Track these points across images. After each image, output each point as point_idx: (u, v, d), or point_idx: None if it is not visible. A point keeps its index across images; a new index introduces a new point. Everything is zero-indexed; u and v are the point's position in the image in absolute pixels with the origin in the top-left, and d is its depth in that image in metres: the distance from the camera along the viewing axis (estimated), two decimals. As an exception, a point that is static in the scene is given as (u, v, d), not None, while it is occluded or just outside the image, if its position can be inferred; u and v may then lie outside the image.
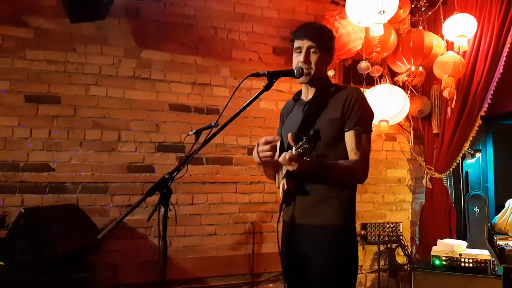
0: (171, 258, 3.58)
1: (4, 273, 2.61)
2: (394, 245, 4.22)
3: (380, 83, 4.07)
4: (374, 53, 3.72)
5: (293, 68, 1.88)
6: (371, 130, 1.93)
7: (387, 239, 4.19)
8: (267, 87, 1.77)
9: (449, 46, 3.82)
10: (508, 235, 4.08)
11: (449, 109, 3.89)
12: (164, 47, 3.76)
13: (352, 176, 1.87)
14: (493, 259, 3.39)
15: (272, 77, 1.78)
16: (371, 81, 4.08)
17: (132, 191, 3.55)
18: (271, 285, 3.90)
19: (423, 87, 4.28)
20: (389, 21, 3.58)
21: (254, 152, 1.92)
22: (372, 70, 3.81)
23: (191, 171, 3.70)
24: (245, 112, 1.76)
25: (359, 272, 4.11)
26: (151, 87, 3.70)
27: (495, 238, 4.01)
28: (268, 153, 1.84)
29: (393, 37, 3.82)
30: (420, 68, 3.88)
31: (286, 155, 1.61)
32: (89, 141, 3.50)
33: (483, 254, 3.31)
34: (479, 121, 3.83)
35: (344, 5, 3.58)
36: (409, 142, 4.43)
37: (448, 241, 3.53)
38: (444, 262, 3.35)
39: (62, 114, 3.45)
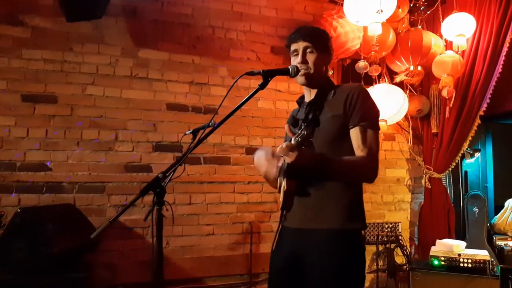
0: (169, 258, 3.57)
1: (0, 273, 2.60)
2: (393, 245, 4.21)
3: (378, 83, 4.06)
4: (373, 52, 3.71)
5: (289, 67, 1.86)
6: (378, 127, 1.83)
7: (386, 239, 4.18)
8: (262, 86, 1.75)
9: (448, 45, 3.81)
10: (507, 235, 4.07)
11: (448, 108, 3.88)
12: (162, 47, 3.74)
13: (358, 173, 1.77)
14: (492, 259, 3.38)
15: (267, 76, 1.75)
16: (369, 81, 4.07)
17: (129, 191, 3.54)
18: (269, 285, 3.88)
19: (422, 86, 4.27)
20: (387, 20, 3.57)
21: (260, 160, 1.85)
22: (370, 70, 3.80)
23: (189, 171, 3.69)
24: (243, 111, 1.76)
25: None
26: (149, 86, 3.69)
27: (494, 238, 4.00)
28: (274, 170, 1.78)
29: (391, 36, 3.81)
30: (419, 68, 3.88)
31: (284, 144, 1.56)
32: (86, 140, 3.48)
33: (482, 254, 3.30)
34: (478, 121, 3.82)
35: (342, 4, 3.57)
36: (408, 142, 4.41)
37: (447, 241, 3.52)
38: (443, 263, 3.34)
39: (59, 114, 3.43)
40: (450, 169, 4.07)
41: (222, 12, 3.96)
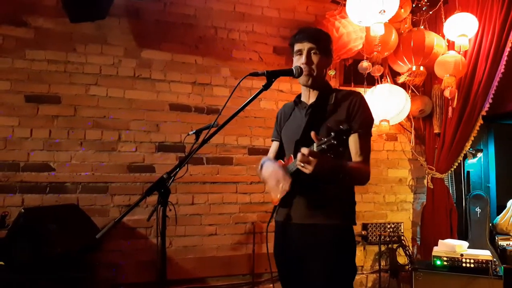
0: (172, 258, 3.58)
1: (4, 273, 2.61)
2: (395, 246, 4.21)
3: (381, 83, 4.06)
4: (375, 52, 3.71)
5: (292, 68, 1.88)
6: (371, 134, 1.97)
7: (388, 239, 4.18)
8: (266, 87, 1.78)
9: (450, 45, 3.81)
10: (509, 235, 4.07)
11: (450, 109, 3.88)
12: (164, 47, 3.75)
13: (360, 178, 1.89)
14: (495, 259, 3.38)
15: (271, 76, 1.78)
16: (372, 81, 4.07)
17: (132, 191, 3.55)
18: (271, 285, 3.89)
19: (424, 86, 4.27)
20: (390, 21, 3.57)
21: (269, 174, 1.93)
22: (373, 70, 3.80)
23: (192, 171, 3.69)
24: (245, 112, 1.76)
25: (360, 272, 4.11)
26: (151, 87, 3.70)
27: (496, 238, 4.00)
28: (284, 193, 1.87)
29: (394, 36, 3.81)
30: (421, 68, 3.87)
31: (306, 150, 1.58)
32: (89, 141, 3.49)
33: (485, 254, 3.30)
34: (480, 121, 3.81)
35: (344, 5, 3.58)
36: (410, 142, 4.41)
37: (450, 241, 3.52)
38: (445, 263, 3.34)
39: (62, 114, 3.44)
40: (452, 169, 4.06)
41: (224, 12, 3.97)
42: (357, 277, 3.24)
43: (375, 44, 3.64)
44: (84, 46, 3.54)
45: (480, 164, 4.88)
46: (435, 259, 3.38)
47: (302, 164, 1.62)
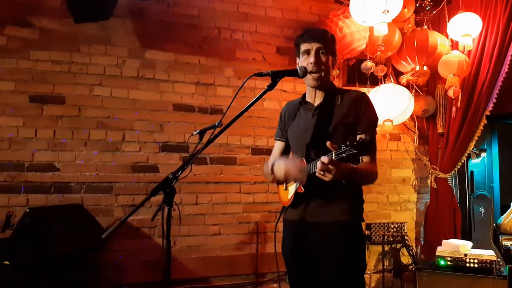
0: (175, 257, 3.59)
1: (9, 273, 2.62)
2: (398, 245, 4.20)
3: (384, 83, 4.06)
4: (378, 52, 3.71)
5: (297, 68, 1.88)
6: (376, 133, 2.01)
7: (391, 239, 4.18)
8: (270, 87, 1.78)
9: (454, 45, 3.81)
10: (513, 235, 4.06)
11: (454, 108, 3.88)
12: (168, 47, 3.76)
13: (370, 179, 1.93)
14: (499, 259, 3.37)
15: (276, 76, 1.78)
16: (375, 81, 4.07)
17: (136, 191, 3.56)
18: (275, 285, 3.89)
19: (427, 86, 4.26)
20: (393, 20, 3.57)
21: (280, 170, 1.92)
22: (376, 70, 3.80)
23: (195, 171, 3.70)
24: (249, 112, 1.76)
25: (363, 272, 4.10)
26: (155, 87, 3.71)
27: (500, 238, 3.99)
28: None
29: (397, 36, 3.81)
30: (425, 68, 3.87)
31: (326, 159, 1.61)
32: (94, 141, 3.51)
33: (489, 254, 3.29)
34: (484, 121, 3.81)
35: (348, 5, 3.58)
36: (413, 142, 4.40)
37: (453, 241, 3.51)
38: (449, 263, 3.34)
39: (66, 114, 3.46)
40: (456, 169, 4.06)
41: (228, 13, 3.97)
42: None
43: (379, 44, 3.64)
44: (88, 47, 3.55)
45: (483, 164, 4.87)
46: (438, 259, 3.37)
47: (322, 173, 1.65)
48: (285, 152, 2.17)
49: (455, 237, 3.89)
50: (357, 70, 4.14)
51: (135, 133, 3.61)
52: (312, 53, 1.91)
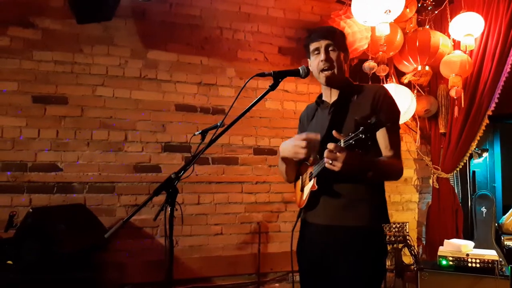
0: (178, 257, 3.59)
1: (12, 272, 2.63)
2: (400, 245, 4.19)
3: (386, 83, 4.06)
4: (380, 52, 3.71)
5: (299, 68, 1.86)
6: (399, 127, 1.91)
7: (393, 239, 4.17)
8: (272, 87, 1.77)
9: (456, 45, 3.80)
10: (515, 235, 4.05)
11: (456, 108, 3.87)
12: (170, 48, 3.77)
13: (392, 173, 1.83)
14: (501, 259, 3.37)
15: (278, 77, 1.77)
16: (377, 81, 4.06)
17: (138, 191, 3.57)
18: (277, 284, 3.90)
19: (429, 86, 4.26)
20: (395, 20, 3.57)
21: (287, 145, 1.87)
22: (378, 70, 3.80)
23: (197, 171, 3.71)
24: (250, 112, 1.76)
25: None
26: (157, 87, 3.71)
27: (502, 238, 3.98)
28: (303, 150, 1.78)
29: (399, 36, 3.81)
30: (427, 68, 3.86)
31: (332, 145, 1.53)
32: (96, 141, 3.52)
33: (490, 254, 3.29)
34: (486, 121, 3.81)
35: (350, 5, 3.58)
36: (415, 142, 4.40)
37: (455, 241, 3.51)
38: (451, 263, 3.34)
39: (69, 115, 3.47)
40: (458, 169, 4.06)
41: (230, 13, 3.98)
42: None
43: (381, 44, 3.63)
44: (90, 47, 3.56)
45: (486, 164, 4.87)
46: (440, 259, 3.38)
47: (330, 161, 1.56)
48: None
49: (457, 237, 3.89)
50: (359, 70, 4.14)
51: (138, 133, 3.62)
52: (322, 50, 1.86)
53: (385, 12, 3.32)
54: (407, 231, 4.27)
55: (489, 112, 3.77)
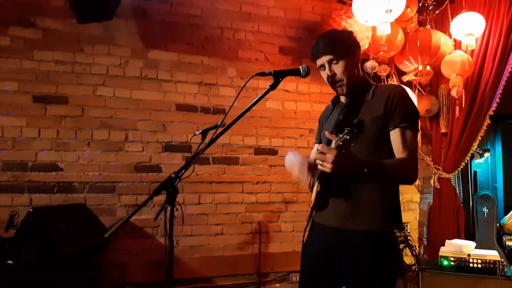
0: (178, 257, 3.59)
1: (13, 272, 2.63)
2: (401, 246, 4.19)
3: (387, 83, 4.05)
4: (381, 52, 3.70)
5: (299, 67, 1.85)
6: (417, 128, 1.82)
7: (394, 239, 4.16)
8: (273, 87, 1.76)
9: (457, 45, 3.79)
10: (517, 235, 4.05)
11: (457, 108, 3.86)
12: (171, 47, 3.77)
13: (400, 176, 1.75)
14: (502, 259, 3.36)
15: (278, 76, 1.77)
16: (378, 81, 4.06)
17: (139, 191, 3.57)
18: (277, 285, 3.90)
19: (430, 86, 4.25)
20: (396, 20, 3.56)
21: (291, 164, 1.85)
22: (379, 70, 3.79)
23: (198, 171, 3.71)
24: (251, 112, 1.76)
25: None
26: (158, 87, 3.71)
27: (504, 238, 3.98)
28: (304, 178, 1.80)
29: (400, 36, 3.80)
30: (428, 67, 3.85)
31: (321, 147, 1.55)
32: (97, 141, 3.51)
33: (492, 254, 3.28)
34: (487, 121, 3.80)
35: (350, 4, 3.57)
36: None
37: (457, 241, 3.50)
38: (452, 263, 3.33)
39: (70, 114, 3.47)
40: (459, 169, 4.04)
41: (230, 12, 3.97)
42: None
43: (381, 43, 3.63)
44: (91, 47, 3.56)
45: (487, 164, 4.86)
46: (442, 259, 3.37)
47: (321, 163, 1.57)
48: None
49: (459, 237, 3.88)
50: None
51: (138, 133, 3.62)
52: (326, 66, 1.85)
53: (386, 12, 3.31)
54: (408, 231, 4.27)
55: (491, 112, 3.76)
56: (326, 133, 1.59)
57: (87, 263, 2.91)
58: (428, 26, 3.93)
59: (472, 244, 3.47)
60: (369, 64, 3.75)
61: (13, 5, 3.39)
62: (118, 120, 3.57)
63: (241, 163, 3.90)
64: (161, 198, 1.58)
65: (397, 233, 4.08)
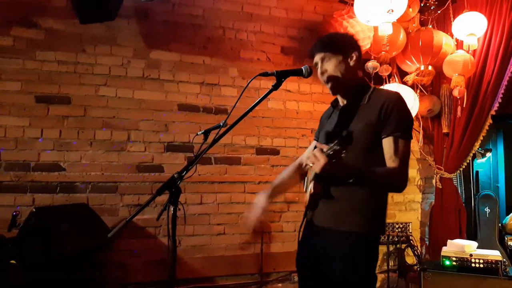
0: (180, 257, 3.60)
1: (15, 272, 2.63)
2: (403, 246, 4.19)
3: (389, 83, 4.05)
4: (383, 52, 3.70)
5: (302, 67, 1.86)
6: (410, 137, 1.81)
7: (396, 239, 4.17)
8: (275, 87, 1.77)
9: (459, 44, 3.80)
10: (519, 235, 4.04)
11: (459, 108, 3.86)
12: (173, 48, 3.77)
13: (389, 185, 1.80)
14: (504, 259, 3.36)
15: (281, 76, 1.77)
16: (379, 81, 4.06)
17: (141, 191, 3.57)
18: (279, 284, 3.90)
19: (432, 86, 4.24)
20: (398, 20, 3.56)
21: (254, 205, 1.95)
22: (380, 69, 3.79)
23: (200, 171, 3.71)
24: (253, 112, 1.76)
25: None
26: (160, 87, 3.72)
27: (506, 238, 3.98)
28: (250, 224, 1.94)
29: (402, 36, 3.80)
30: (430, 67, 3.85)
31: (316, 150, 1.59)
32: (99, 141, 3.52)
33: (494, 254, 3.28)
34: (489, 121, 3.80)
35: (352, 4, 3.57)
36: (418, 142, 4.39)
37: (458, 241, 3.50)
38: (454, 263, 3.33)
39: (72, 115, 3.47)
40: (461, 169, 4.05)
41: (232, 13, 3.98)
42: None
43: (383, 43, 3.63)
44: (93, 47, 3.56)
45: (489, 164, 4.86)
46: (444, 259, 3.37)
47: (311, 164, 1.60)
48: None
49: (460, 237, 3.88)
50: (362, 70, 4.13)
51: (140, 133, 3.63)
52: (318, 64, 1.89)
53: (387, 12, 3.31)
54: (410, 231, 4.27)
55: (492, 112, 3.76)
56: (317, 144, 1.64)
57: (90, 263, 2.92)
58: (430, 26, 3.93)
59: (474, 244, 3.47)
60: (371, 64, 3.76)
61: (16, 5, 3.40)
62: (120, 120, 3.58)
63: (243, 163, 3.90)
64: (163, 198, 1.59)
65: (389, 230, 4.09)
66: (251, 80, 1.85)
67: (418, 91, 4.10)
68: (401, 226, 4.26)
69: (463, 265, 3.29)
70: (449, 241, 3.53)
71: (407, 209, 4.40)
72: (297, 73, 1.82)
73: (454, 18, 3.73)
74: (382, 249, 4.20)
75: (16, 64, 3.37)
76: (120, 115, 3.59)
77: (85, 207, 3.31)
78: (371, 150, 1.78)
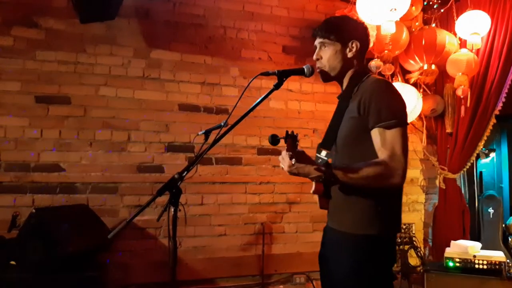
0: (181, 258, 3.57)
1: (16, 273, 2.63)
2: (406, 247, 4.15)
3: (392, 82, 4.02)
4: (386, 51, 3.67)
5: (303, 66, 1.82)
6: (401, 123, 1.67)
7: (399, 240, 4.13)
8: (277, 86, 1.75)
9: (462, 43, 3.76)
10: (523, 236, 4.00)
11: (462, 108, 3.82)
12: (174, 47, 3.75)
13: (377, 178, 1.61)
14: (508, 260, 3.32)
15: (282, 76, 1.75)
16: (382, 80, 4.03)
17: (142, 191, 3.55)
18: (281, 286, 3.87)
19: (436, 85, 4.22)
20: (401, 19, 3.53)
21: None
22: (383, 69, 3.76)
23: (201, 171, 3.69)
24: (254, 111, 1.74)
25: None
26: (161, 87, 3.70)
27: (510, 239, 3.94)
28: None
29: (405, 35, 3.77)
30: (433, 66, 3.82)
31: (282, 154, 1.68)
32: (99, 141, 3.50)
33: (498, 255, 3.25)
34: (493, 120, 3.76)
35: (354, 3, 3.54)
36: (421, 142, 4.36)
37: (462, 242, 3.47)
38: (457, 264, 3.29)
39: (72, 115, 3.46)
40: (464, 169, 4.01)
41: (233, 12, 3.96)
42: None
43: (386, 42, 3.60)
44: (94, 47, 3.55)
45: (493, 164, 4.81)
46: (447, 260, 3.34)
47: (281, 166, 1.66)
48: None
49: (464, 238, 3.84)
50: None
51: (141, 133, 3.61)
52: (316, 49, 1.84)
53: (390, 10, 3.28)
54: (413, 232, 4.24)
55: (496, 112, 3.73)
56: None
57: (90, 263, 2.90)
58: (433, 25, 3.90)
59: (478, 245, 3.43)
60: (374, 63, 3.72)
61: (16, 5, 3.39)
62: (120, 120, 3.56)
63: (244, 164, 3.88)
64: (163, 198, 1.57)
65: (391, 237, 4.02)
66: (252, 80, 1.82)
67: (421, 90, 4.07)
68: (404, 227, 4.22)
69: (467, 266, 3.26)
70: (452, 242, 3.50)
71: (410, 209, 4.37)
72: (299, 72, 1.80)
73: (457, 16, 3.69)
74: (385, 250, 4.17)
75: (16, 64, 3.36)
76: (120, 115, 3.57)
77: (85, 208, 3.30)
78: (354, 145, 1.73)
